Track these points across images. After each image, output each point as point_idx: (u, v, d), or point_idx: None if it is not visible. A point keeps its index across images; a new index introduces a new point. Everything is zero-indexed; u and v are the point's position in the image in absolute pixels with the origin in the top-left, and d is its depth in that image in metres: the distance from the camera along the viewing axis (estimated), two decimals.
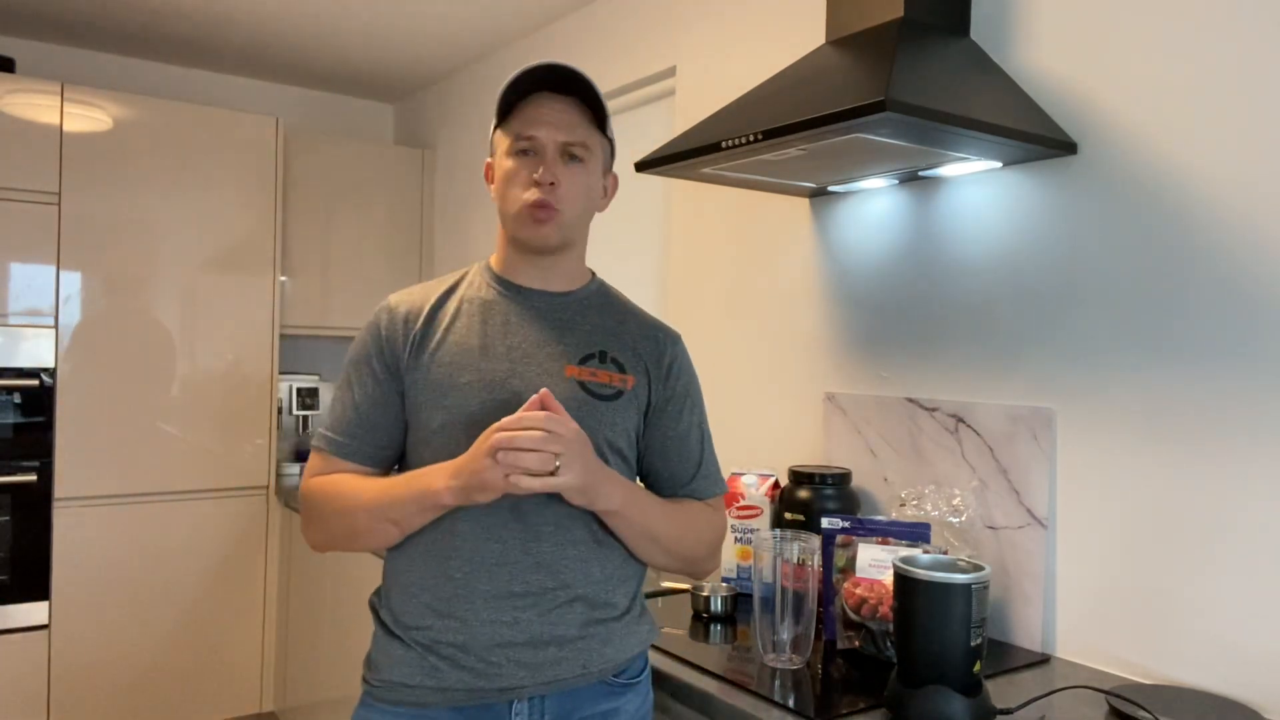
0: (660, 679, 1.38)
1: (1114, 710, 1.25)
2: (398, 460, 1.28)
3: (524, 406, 1.09)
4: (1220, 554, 1.34)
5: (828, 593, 1.50)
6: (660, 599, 1.78)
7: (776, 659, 1.40)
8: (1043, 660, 1.49)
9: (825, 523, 1.54)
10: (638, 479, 1.32)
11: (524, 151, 1.22)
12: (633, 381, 1.26)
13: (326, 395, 3.69)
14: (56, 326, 2.92)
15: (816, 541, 1.42)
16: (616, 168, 1.36)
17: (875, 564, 1.46)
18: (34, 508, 2.87)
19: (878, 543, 1.48)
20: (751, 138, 1.45)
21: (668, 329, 1.35)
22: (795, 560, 1.39)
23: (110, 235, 3.00)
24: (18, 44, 3.31)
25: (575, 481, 1.09)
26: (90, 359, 2.97)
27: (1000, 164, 1.60)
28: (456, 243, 3.61)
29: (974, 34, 1.67)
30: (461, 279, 1.32)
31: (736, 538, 1.82)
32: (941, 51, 1.51)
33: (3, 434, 2.83)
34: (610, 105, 2.72)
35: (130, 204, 3.04)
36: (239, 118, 3.23)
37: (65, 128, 2.92)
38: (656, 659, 1.43)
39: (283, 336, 3.54)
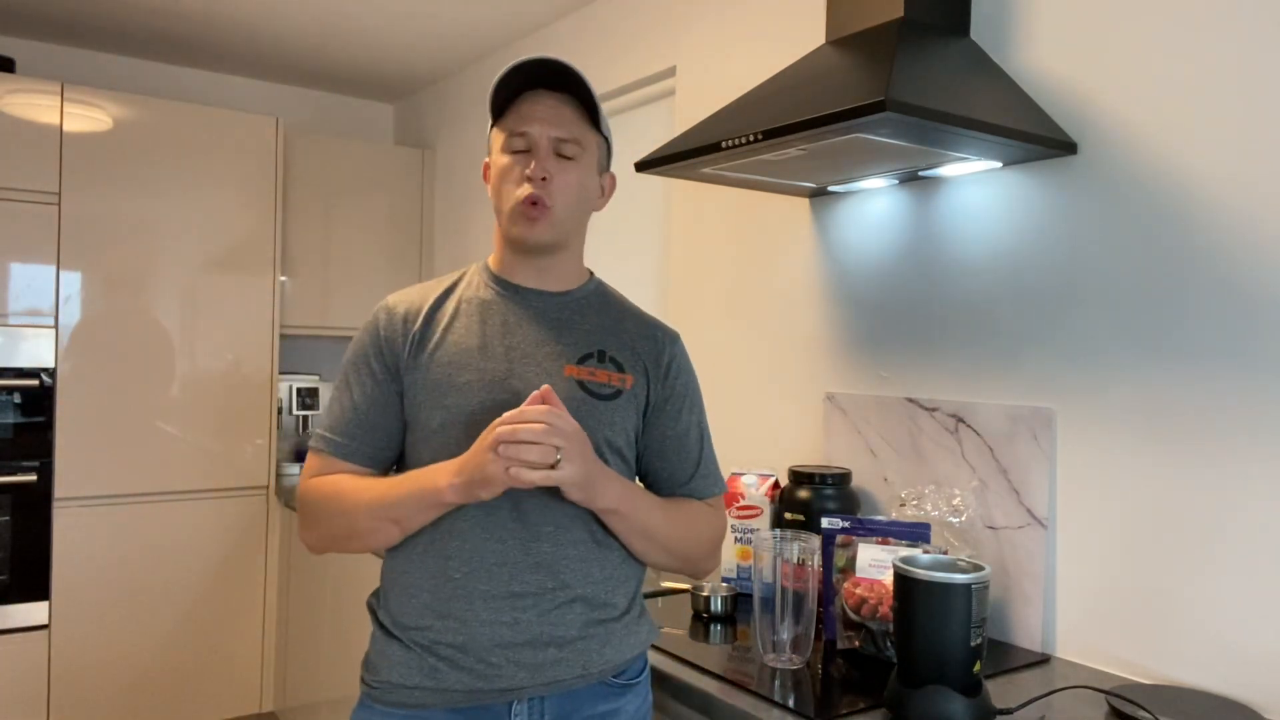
0: (660, 679, 1.38)
1: (1114, 710, 1.25)
2: (396, 461, 1.28)
3: (526, 402, 1.10)
4: (1220, 554, 1.34)
5: (828, 593, 1.50)
6: (660, 599, 1.78)
7: (776, 659, 1.40)
8: (1043, 660, 1.49)
9: (825, 523, 1.54)
10: (637, 479, 1.32)
11: (518, 148, 1.22)
12: (631, 381, 1.26)
13: (326, 395, 3.69)
14: (56, 326, 2.92)
15: (816, 541, 1.42)
16: (616, 168, 1.36)
17: (875, 564, 1.46)
18: (34, 508, 2.87)
19: (878, 543, 1.48)
20: (751, 138, 1.45)
21: (666, 328, 1.35)
22: (795, 560, 1.39)
23: (110, 235, 3.00)
24: (18, 44, 3.31)
25: (576, 476, 1.09)
26: (90, 359, 2.97)
27: (1000, 164, 1.60)
28: (456, 243, 3.61)
29: (974, 34, 1.68)
30: (460, 279, 1.32)
31: (736, 538, 1.82)
32: (941, 51, 1.51)
33: (3, 434, 2.83)
34: (610, 105, 2.75)
35: (130, 204, 3.04)
36: (239, 118, 3.23)
37: (65, 128, 2.92)
38: (656, 659, 1.43)
39: (283, 336, 3.54)
